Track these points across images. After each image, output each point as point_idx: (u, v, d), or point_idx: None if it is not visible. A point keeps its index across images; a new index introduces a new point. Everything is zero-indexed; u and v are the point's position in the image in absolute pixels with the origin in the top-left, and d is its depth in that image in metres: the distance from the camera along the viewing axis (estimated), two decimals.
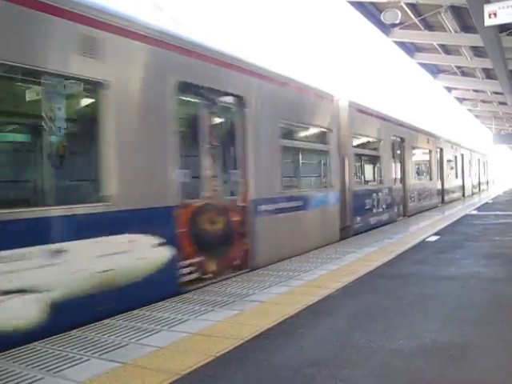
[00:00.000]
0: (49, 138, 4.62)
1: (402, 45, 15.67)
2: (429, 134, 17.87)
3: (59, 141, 4.57)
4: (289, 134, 8.52)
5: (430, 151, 18.03)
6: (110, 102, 4.74)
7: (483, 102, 24.59)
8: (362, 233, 10.46)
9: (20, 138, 5.53)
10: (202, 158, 6.09)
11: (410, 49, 16.30)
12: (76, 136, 5.14)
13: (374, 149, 12.46)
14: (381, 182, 12.64)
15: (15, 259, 3.80)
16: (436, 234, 10.01)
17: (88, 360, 3.38)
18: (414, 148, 15.78)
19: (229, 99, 6.62)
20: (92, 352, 3.53)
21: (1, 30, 3.92)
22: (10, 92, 4.86)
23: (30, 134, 5.41)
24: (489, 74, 17.70)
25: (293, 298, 4.97)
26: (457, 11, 12.00)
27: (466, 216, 14.21)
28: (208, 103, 6.17)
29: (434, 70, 19.29)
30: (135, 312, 4.61)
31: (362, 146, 12.13)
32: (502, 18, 8.86)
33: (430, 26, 13.68)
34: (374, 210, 11.73)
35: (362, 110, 11.33)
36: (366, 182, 12.66)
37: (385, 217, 12.42)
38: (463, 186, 25.14)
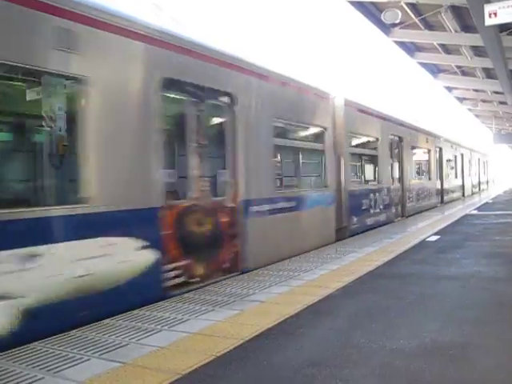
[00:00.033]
0: (28, 137, 4.54)
1: (402, 44, 15.66)
2: (428, 134, 17.75)
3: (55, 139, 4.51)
4: (282, 132, 8.32)
5: (429, 150, 17.91)
6: (89, 98, 4.55)
7: (483, 101, 24.58)
8: (358, 234, 10.31)
9: None
10: (188, 158, 5.88)
11: (411, 48, 16.30)
12: (52, 134, 4.90)
13: (371, 148, 12.28)
14: (378, 181, 12.45)
15: None
16: (436, 233, 10.01)
17: (88, 360, 3.38)
18: (412, 147, 15.62)
19: (217, 96, 6.42)
20: (92, 352, 3.53)
21: None
22: None
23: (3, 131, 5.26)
24: (489, 73, 17.69)
25: (293, 298, 4.97)
26: (457, 11, 12.00)
27: (466, 216, 14.20)
28: (195, 100, 5.96)
29: (435, 70, 19.28)
30: (135, 312, 4.61)
31: (359, 145, 11.95)
32: (502, 18, 8.85)
33: (430, 26, 13.67)
34: (372, 211, 11.56)
35: (359, 109, 11.17)
36: (363, 181, 12.41)
37: (382, 217, 12.25)
38: (463, 186, 25.00)
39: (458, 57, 16.20)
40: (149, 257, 5.00)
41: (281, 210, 7.59)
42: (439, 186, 19.39)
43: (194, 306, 4.78)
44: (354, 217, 10.43)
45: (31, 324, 3.85)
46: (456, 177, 23.27)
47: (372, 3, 12.35)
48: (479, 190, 30.99)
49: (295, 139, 9.07)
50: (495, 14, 8.87)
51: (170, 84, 5.47)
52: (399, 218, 13.66)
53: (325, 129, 9.32)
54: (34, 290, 3.94)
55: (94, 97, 4.58)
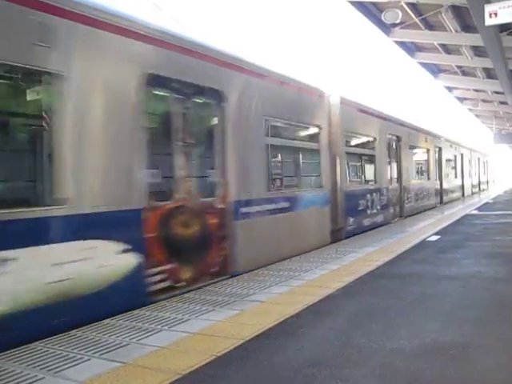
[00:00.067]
0: None
1: (402, 44, 15.67)
2: (427, 133, 17.59)
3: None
4: (274, 131, 8.00)
5: (428, 150, 17.75)
6: (65, 94, 4.31)
7: (484, 101, 24.59)
8: (355, 235, 10.10)
9: None
10: (174, 157, 5.62)
11: (411, 48, 16.31)
12: (25, 132, 4.74)
13: (369, 147, 12.08)
14: (375, 181, 12.22)
15: None
16: (436, 233, 10.01)
17: (89, 360, 3.38)
18: (411, 147, 15.43)
19: (205, 94, 6.13)
20: (93, 352, 3.53)
21: None
22: None
23: None
24: (489, 73, 17.70)
25: (293, 298, 4.97)
26: (457, 11, 12.00)
27: (466, 216, 14.20)
28: (181, 98, 5.71)
29: (435, 70, 19.29)
30: (135, 312, 4.61)
31: (356, 145, 11.71)
32: (503, 18, 8.85)
33: (430, 26, 13.68)
34: (369, 211, 11.34)
35: (355, 107, 10.96)
36: (360, 181, 12.15)
37: (380, 218, 12.04)
38: (463, 186, 24.83)
39: (459, 57, 16.20)
40: (131, 260, 4.79)
41: (273, 212, 7.37)
42: (438, 186, 19.24)
43: (195, 305, 4.78)
44: (350, 218, 10.20)
45: (1, 332, 3.71)
46: (456, 177, 23.16)
47: (372, 3, 12.36)
48: (479, 190, 30.89)
49: (288, 138, 8.70)
50: (495, 14, 8.88)
51: (155, 80, 5.26)
52: (397, 219, 13.47)
53: (320, 128, 9.11)
54: (4, 297, 3.75)
55: (69, 93, 4.35)
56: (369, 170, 12.47)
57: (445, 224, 11.92)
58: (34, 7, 4.10)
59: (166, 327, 4.10)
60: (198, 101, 6.10)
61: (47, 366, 3.27)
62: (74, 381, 3.04)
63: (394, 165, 13.78)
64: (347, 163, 10.71)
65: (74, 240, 4.30)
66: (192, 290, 5.42)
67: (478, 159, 31.17)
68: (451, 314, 4.32)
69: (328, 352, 3.45)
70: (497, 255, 7.23)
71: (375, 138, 12.04)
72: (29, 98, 4.63)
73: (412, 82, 50.76)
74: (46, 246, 4.09)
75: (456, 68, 18.34)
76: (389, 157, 13.17)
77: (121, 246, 4.68)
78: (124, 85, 4.96)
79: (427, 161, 17.88)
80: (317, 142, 9.12)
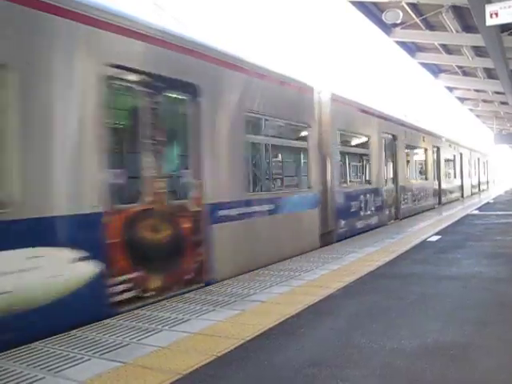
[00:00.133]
0: None
1: (403, 45, 15.67)
2: (425, 132, 17.28)
3: None
4: (256, 128, 7.54)
5: (426, 150, 17.47)
6: (10, 86, 3.92)
7: (484, 101, 24.59)
8: (347, 238, 9.69)
9: None
10: (142, 156, 5.17)
11: (412, 49, 16.30)
12: None
13: (362, 146, 11.69)
14: (369, 182, 11.81)
15: None
16: (437, 233, 10.00)
17: (89, 360, 3.38)
18: (407, 146, 15.05)
19: (178, 87, 5.68)
20: (93, 352, 3.53)
21: None
22: None
23: None
24: (490, 73, 17.69)
25: (294, 298, 4.97)
26: (458, 11, 12.00)
27: (467, 216, 14.19)
28: (151, 91, 5.27)
29: (436, 70, 19.29)
30: (136, 312, 4.61)
31: (348, 144, 11.22)
32: (504, 18, 8.85)
33: (431, 26, 13.68)
34: (362, 213, 10.89)
35: (348, 105, 10.50)
36: (352, 182, 11.60)
37: (374, 220, 11.63)
38: (462, 187, 24.56)
39: (459, 57, 16.20)
40: (89, 269, 4.35)
41: (254, 214, 6.91)
42: (437, 187, 18.97)
43: (195, 305, 4.78)
44: (341, 220, 9.77)
45: None
46: (455, 177, 22.95)
47: (373, 3, 12.36)
48: (479, 190, 30.73)
49: (272, 136, 8.05)
50: (496, 15, 8.88)
51: (118, 72, 4.86)
52: (393, 221, 13.10)
53: (308, 125, 8.62)
54: None
55: (14, 84, 3.93)
56: (362, 170, 12.15)
57: (445, 224, 11.91)
58: None
59: (166, 327, 4.10)
60: (169, 95, 5.68)
61: (47, 366, 3.27)
62: (75, 381, 3.04)
63: (390, 165, 13.44)
64: (339, 163, 10.31)
65: (18, 248, 3.83)
66: (163, 300, 5.04)
67: (478, 159, 31.04)
68: (452, 314, 4.32)
69: (328, 352, 3.45)
70: (498, 255, 7.22)
71: (369, 137, 11.66)
72: None
73: (413, 83, 50.76)
74: None
75: (457, 68, 18.34)
76: (384, 156, 12.79)
77: (77, 254, 4.24)
78: (81, 76, 4.51)
79: (425, 161, 17.62)
80: (305, 140, 8.65)
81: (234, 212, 6.42)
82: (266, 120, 7.64)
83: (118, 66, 4.82)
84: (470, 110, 28.64)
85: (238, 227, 6.54)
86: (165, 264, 5.30)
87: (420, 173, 17.54)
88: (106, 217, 4.58)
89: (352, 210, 10.45)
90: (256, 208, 6.99)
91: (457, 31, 13.33)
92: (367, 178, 11.97)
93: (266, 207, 7.24)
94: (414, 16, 12.78)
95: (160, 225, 5.29)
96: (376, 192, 11.90)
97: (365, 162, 11.99)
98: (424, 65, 18.16)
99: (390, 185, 13.33)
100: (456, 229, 10.98)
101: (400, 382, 2.95)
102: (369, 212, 11.32)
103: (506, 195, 26.86)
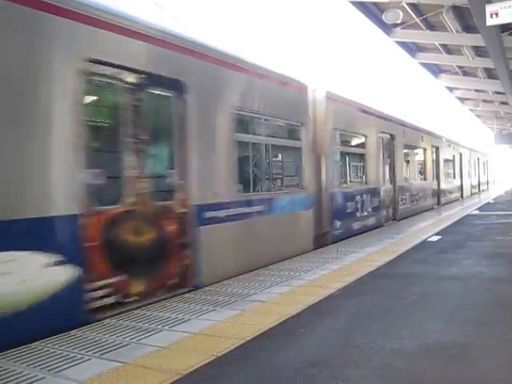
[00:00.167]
0: None
1: (403, 45, 15.68)
2: (423, 132, 17.11)
3: None
4: (246, 127, 7.30)
5: (425, 150, 17.31)
6: None
7: (485, 101, 24.60)
8: (343, 240, 9.42)
9: None
10: (123, 155, 4.95)
11: (412, 49, 16.31)
12: None
13: (359, 146, 11.51)
14: (366, 182, 11.54)
15: None
16: (437, 233, 10.00)
17: (89, 360, 3.38)
18: (405, 146, 14.81)
19: (163, 84, 5.48)
20: (93, 352, 3.53)
21: None
22: None
23: None
24: (490, 73, 17.70)
25: (294, 298, 4.96)
26: (458, 11, 12.01)
27: (467, 216, 14.18)
28: (133, 88, 5.05)
29: (436, 70, 19.29)
30: (136, 312, 4.61)
31: (344, 143, 10.90)
32: (504, 18, 8.85)
33: (431, 26, 13.69)
34: (358, 214, 10.68)
35: (344, 103, 10.26)
36: (349, 182, 11.32)
37: (371, 221, 11.43)
38: (461, 187, 24.40)
39: (460, 57, 16.21)
40: (64, 274, 4.12)
41: (244, 216, 6.67)
42: (436, 187, 18.82)
43: (195, 305, 4.78)
44: (337, 221, 9.55)
45: None
46: (454, 177, 22.83)
47: (373, 3, 12.36)
48: (479, 190, 30.63)
49: (262, 135, 7.73)
50: (496, 15, 8.88)
51: (97, 67, 4.64)
52: (390, 222, 12.86)
53: (301, 124, 8.37)
54: None
55: None
56: (359, 170, 11.94)
57: (445, 224, 11.91)
58: None
59: (166, 327, 4.10)
60: (153, 92, 5.45)
61: (47, 366, 3.27)
62: (75, 380, 3.04)
63: (388, 164, 13.21)
64: (334, 163, 10.08)
65: None
66: (146, 306, 4.83)
67: (478, 159, 30.96)
68: (452, 314, 4.31)
69: (329, 352, 3.45)
70: (498, 255, 7.22)
71: (366, 136, 11.47)
72: None
73: (413, 83, 50.77)
74: None
75: (457, 68, 18.34)
76: (381, 156, 12.60)
77: (51, 258, 4.02)
78: (58, 71, 4.28)
79: (424, 161, 17.45)
80: (298, 139, 8.40)
81: (222, 214, 6.21)
82: (257, 118, 7.44)
83: (97, 61, 4.61)
84: (471, 110, 28.66)
85: (227, 229, 6.33)
86: (148, 268, 5.09)
87: (419, 173, 17.38)
88: (83, 219, 4.36)
89: (348, 210, 10.24)
90: (246, 209, 6.77)
91: (457, 31, 13.33)
92: (364, 178, 11.75)
93: (256, 208, 7.03)
94: (414, 16, 12.78)
95: (143, 227, 5.08)
96: (373, 192, 11.70)
97: (361, 162, 11.77)
98: (424, 65, 18.17)
99: (388, 185, 13.12)
100: (456, 229, 10.97)
101: (400, 382, 2.94)
102: (365, 213, 11.12)
103: (507, 195, 26.85)
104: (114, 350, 3.57)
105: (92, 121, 4.80)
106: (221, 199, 6.22)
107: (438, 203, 19.08)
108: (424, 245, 8.58)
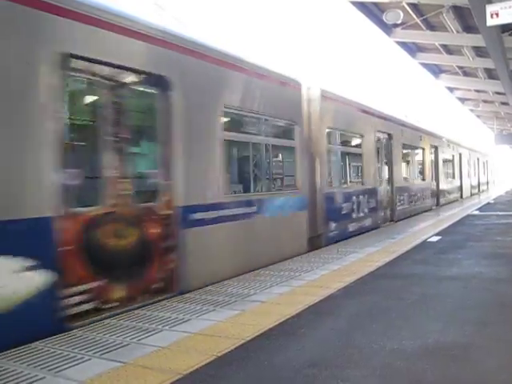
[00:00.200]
0: None
1: (403, 45, 15.68)
2: (422, 131, 16.94)
3: None
4: (235, 125, 7.09)
5: (424, 149, 17.16)
6: None
7: (485, 102, 24.59)
8: (338, 242, 9.22)
9: None
10: (103, 154, 4.75)
11: (412, 49, 16.31)
12: None
13: (355, 146, 11.27)
14: (362, 182, 11.35)
15: None
16: (437, 234, 10.00)
17: (89, 360, 3.38)
18: (404, 146, 14.56)
19: (146, 80, 5.27)
20: (93, 352, 3.53)
21: None
22: None
23: None
24: (491, 74, 17.69)
25: (294, 298, 4.96)
26: (459, 11, 12.00)
27: (467, 216, 14.18)
28: (114, 84, 4.86)
29: (436, 70, 19.29)
30: (136, 312, 4.61)
31: (340, 143, 10.63)
32: (504, 18, 8.85)
33: (431, 26, 13.69)
34: (354, 215, 10.41)
35: (340, 102, 10.03)
36: (345, 183, 11.19)
37: (367, 222, 11.17)
38: (461, 187, 24.25)
39: (460, 57, 16.21)
40: (37, 280, 3.91)
41: (233, 218, 6.42)
42: (435, 188, 18.66)
43: (195, 305, 4.78)
44: (332, 223, 9.31)
45: None
46: (453, 177, 22.72)
47: (374, 4, 12.36)
48: (479, 191, 30.49)
49: (253, 134, 7.51)
50: (497, 15, 8.88)
51: (74, 62, 4.43)
52: (387, 223, 12.64)
53: (295, 123, 8.13)
54: None
55: None
56: (355, 170, 11.74)
57: (445, 225, 11.91)
58: None
59: (166, 327, 4.10)
60: (135, 88, 5.27)
61: (48, 366, 3.27)
62: (75, 380, 3.04)
63: (385, 164, 13.02)
64: (329, 163, 9.87)
65: None
66: (127, 312, 4.62)
67: (478, 159, 30.87)
68: (452, 314, 4.31)
69: (329, 352, 3.45)
70: (498, 256, 7.22)
71: (363, 136, 11.22)
72: None
73: (413, 83, 50.80)
74: None
75: (457, 68, 18.34)
76: (378, 156, 12.40)
77: (22, 263, 3.81)
78: (31, 65, 4.07)
79: (422, 161, 17.31)
80: (291, 138, 8.17)
81: (210, 215, 5.97)
82: (246, 116, 7.21)
83: (74, 56, 4.39)
84: (471, 110, 28.66)
85: (215, 232, 6.07)
86: (129, 272, 4.89)
87: (417, 173, 17.24)
88: (58, 221, 4.13)
89: (343, 212, 9.99)
90: (235, 211, 6.51)
91: (457, 31, 13.33)
92: (360, 179, 11.54)
93: (246, 210, 6.77)
94: (414, 16, 12.78)
95: (124, 230, 4.87)
96: (369, 193, 11.47)
97: (358, 162, 11.55)
98: (425, 65, 18.17)
99: (385, 185, 12.91)
100: (456, 229, 10.97)
101: (401, 383, 2.94)
102: (361, 214, 10.86)
103: (507, 196, 26.84)
104: (115, 349, 3.57)
105: (69, 118, 4.61)
106: (208, 200, 6.01)
107: (437, 204, 18.97)
108: (424, 245, 8.57)
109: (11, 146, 3.90)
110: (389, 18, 12.06)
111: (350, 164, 11.68)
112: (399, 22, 12.42)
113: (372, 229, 11.30)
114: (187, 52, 5.77)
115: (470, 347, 3.45)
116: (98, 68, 4.71)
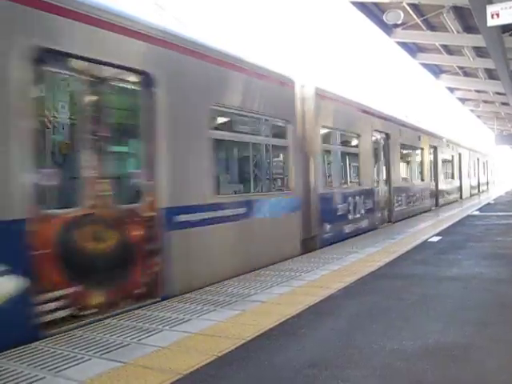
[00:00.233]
0: None
1: (404, 45, 15.69)
2: (421, 131, 16.81)
3: None
4: (225, 123, 6.90)
5: (423, 149, 17.04)
6: None
7: (485, 102, 24.60)
8: (333, 243, 9.01)
9: None
10: (81, 154, 4.55)
11: (413, 49, 16.32)
12: None
13: (351, 145, 11.12)
14: (359, 183, 11.14)
15: None
16: (438, 234, 10.00)
17: (89, 359, 3.38)
18: (402, 145, 14.38)
19: (127, 76, 5.09)
20: (93, 351, 3.53)
21: None
22: None
23: None
24: (491, 74, 17.70)
25: (294, 299, 4.96)
26: (459, 12, 12.01)
27: (467, 217, 14.18)
28: (92, 80, 4.64)
29: (437, 71, 19.30)
30: (136, 312, 4.61)
31: (335, 142, 10.40)
32: (505, 19, 8.85)
33: (432, 27, 13.70)
34: (350, 216, 10.17)
35: (335, 100, 9.78)
36: (340, 183, 10.86)
37: (364, 223, 10.94)
38: (460, 188, 24.14)
39: (460, 57, 16.22)
40: (8, 285, 3.71)
41: (222, 220, 6.19)
42: (434, 188, 18.54)
43: (196, 305, 4.78)
44: (326, 224, 9.06)
45: None
46: (453, 178, 22.63)
47: (374, 4, 12.37)
48: (478, 191, 30.43)
49: (243, 133, 7.29)
50: (497, 15, 8.88)
51: (50, 56, 4.25)
52: (385, 224, 12.45)
53: (287, 121, 7.92)
54: None
55: None
56: (351, 171, 11.61)
57: (446, 225, 11.91)
58: None
59: (166, 327, 4.10)
60: (116, 84, 5.09)
61: (48, 366, 3.27)
62: (75, 380, 3.04)
63: (382, 165, 12.84)
64: (324, 163, 9.67)
65: None
66: (106, 318, 4.43)
67: (477, 159, 30.80)
68: (453, 314, 4.31)
69: (329, 352, 3.45)
70: (498, 256, 7.22)
71: (359, 135, 11.00)
72: None
73: (414, 83, 50.81)
74: None
75: (458, 69, 18.35)
76: (376, 156, 12.22)
77: None
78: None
79: (421, 161, 17.21)
80: (283, 137, 7.96)
81: (197, 217, 5.75)
82: (236, 115, 6.98)
83: (48, 50, 4.19)
84: (471, 110, 28.67)
85: (203, 234, 5.85)
86: (109, 277, 4.68)
87: (416, 173, 17.09)
88: (32, 224, 3.93)
89: (339, 213, 9.75)
90: (225, 212, 6.29)
91: (458, 32, 13.34)
92: (357, 179, 11.38)
93: (236, 211, 6.55)
94: (414, 16, 12.79)
95: (103, 232, 4.67)
96: (366, 193, 11.24)
97: (354, 162, 11.40)
98: (425, 65, 18.18)
99: (383, 186, 12.72)
100: (456, 229, 10.97)
101: (401, 383, 2.94)
102: (358, 215, 10.61)
103: (507, 196, 26.83)
104: (115, 349, 3.58)
105: (43, 116, 4.44)
106: (195, 201, 5.80)
107: (436, 204, 18.86)
108: (424, 245, 8.57)
109: None
110: (389, 18, 12.07)
111: (346, 164, 11.49)
112: (399, 22, 12.43)
113: (369, 230, 11.15)
114: (173, 47, 5.55)
115: (470, 348, 3.45)
116: (73, 63, 4.50)
